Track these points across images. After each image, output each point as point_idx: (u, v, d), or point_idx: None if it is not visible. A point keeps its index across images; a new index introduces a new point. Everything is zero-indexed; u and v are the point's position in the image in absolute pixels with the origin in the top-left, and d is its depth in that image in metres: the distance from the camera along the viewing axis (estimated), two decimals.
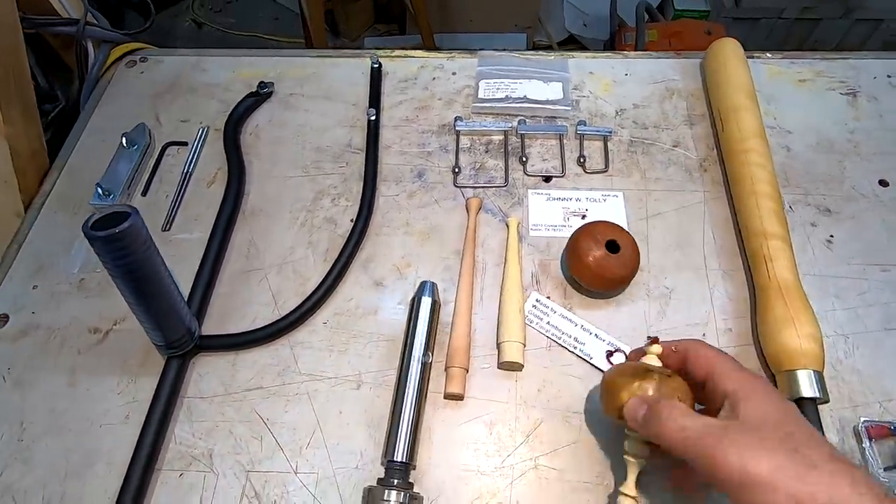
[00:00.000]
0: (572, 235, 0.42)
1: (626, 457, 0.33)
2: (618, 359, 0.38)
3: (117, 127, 0.53)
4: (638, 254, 0.41)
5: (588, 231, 0.42)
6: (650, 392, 0.31)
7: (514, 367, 0.39)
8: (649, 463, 0.32)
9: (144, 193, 0.50)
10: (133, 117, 0.55)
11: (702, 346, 0.32)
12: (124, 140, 0.51)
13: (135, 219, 0.32)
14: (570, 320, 0.42)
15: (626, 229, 0.42)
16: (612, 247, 0.41)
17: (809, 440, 0.25)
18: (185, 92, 0.58)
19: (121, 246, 0.32)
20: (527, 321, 0.42)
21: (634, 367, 0.33)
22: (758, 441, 0.26)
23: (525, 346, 0.40)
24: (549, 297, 0.43)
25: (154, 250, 0.35)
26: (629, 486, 0.32)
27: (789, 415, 0.27)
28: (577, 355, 0.40)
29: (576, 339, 0.41)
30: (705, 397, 0.31)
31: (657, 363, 0.33)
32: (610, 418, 0.33)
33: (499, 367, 0.40)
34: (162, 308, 0.37)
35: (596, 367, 0.40)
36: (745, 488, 0.25)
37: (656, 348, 0.33)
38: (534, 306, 0.42)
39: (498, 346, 0.40)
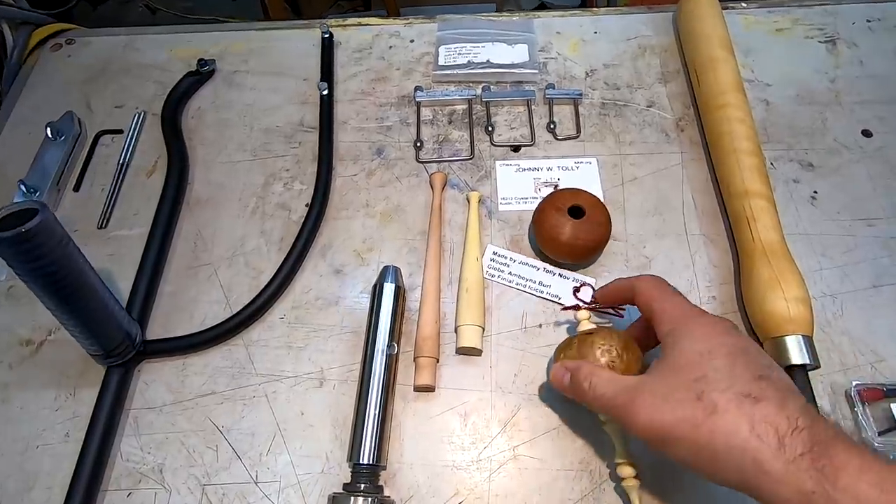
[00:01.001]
0: (536, 209, 0.39)
1: (604, 427, 0.32)
2: (585, 293, 0.36)
3: (43, 117, 0.48)
4: (607, 216, 0.38)
5: (550, 201, 0.39)
6: (597, 355, 0.31)
7: (473, 352, 0.37)
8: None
9: (77, 188, 0.46)
10: (61, 105, 0.50)
11: (645, 286, 0.31)
12: (49, 131, 0.46)
13: (45, 214, 0.28)
14: (532, 265, 0.40)
15: (593, 193, 0.39)
16: (576, 212, 0.38)
17: (720, 381, 0.25)
18: (117, 75, 0.53)
19: (31, 247, 0.28)
20: (487, 275, 0.40)
21: (570, 339, 0.33)
22: (666, 393, 0.26)
23: (484, 329, 0.37)
24: (506, 247, 0.41)
25: (74, 249, 0.31)
26: (621, 454, 0.31)
27: (709, 354, 0.26)
28: (546, 299, 0.39)
29: (540, 283, 0.39)
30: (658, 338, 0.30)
31: (591, 326, 0.34)
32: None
33: (457, 353, 0.37)
34: (92, 314, 0.33)
35: (573, 308, 0.37)
36: (655, 443, 0.26)
37: (583, 314, 0.34)
38: (492, 259, 0.40)
39: (456, 330, 0.37)
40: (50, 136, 0.46)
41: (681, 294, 0.31)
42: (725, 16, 0.49)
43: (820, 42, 0.51)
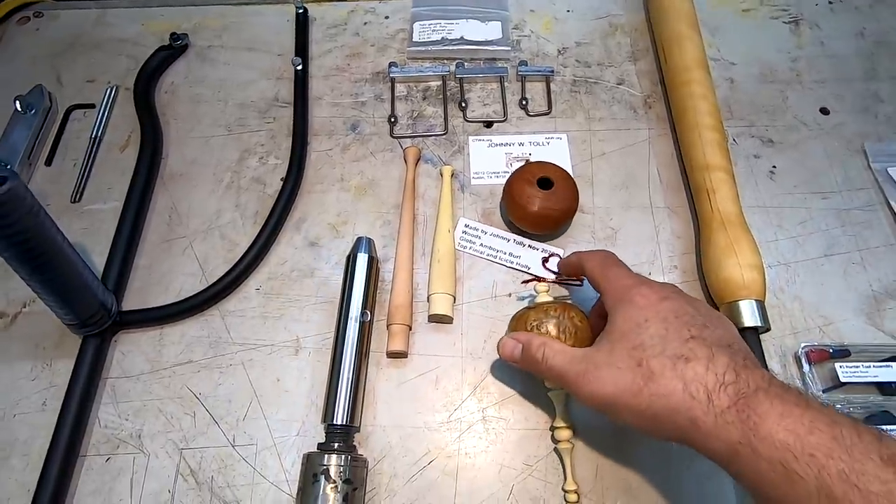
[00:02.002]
0: (506, 181, 0.41)
1: (549, 394, 0.34)
2: (553, 263, 0.38)
3: (12, 92, 0.48)
4: (574, 188, 0.40)
5: (519, 174, 0.40)
6: (550, 328, 0.32)
7: (444, 319, 0.38)
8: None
9: (49, 163, 0.46)
10: (30, 80, 0.49)
11: (592, 262, 0.33)
12: (18, 104, 0.46)
13: (14, 182, 0.29)
14: (502, 237, 0.41)
15: (560, 166, 0.41)
16: (545, 184, 0.39)
17: (655, 346, 0.26)
18: (88, 49, 0.52)
19: (1, 214, 0.29)
20: (459, 247, 0.41)
21: (526, 309, 0.34)
22: (609, 364, 0.27)
23: (455, 298, 0.39)
24: (478, 220, 0.42)
25: (45, 217, 0.31)
26: (561, 419, 0.33)
27: (645, 322, 0.27)
28: (516, 269, 0.40)
29: (510, 254, 0.41)
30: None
31: (548, 298, 0.35)
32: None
33: (429, 321, 0.38)
34: (66, 282, 0.33)
35: (536, 277, 0.38)
36: (602, 410, 0.28)
37: (542, 286, 0.35)
38: (464, 231, 0.41)
39: (428, 298, 0.38)
40: (19, 109, 0.46)
41: (625, 267, 0.32)
42: None
43: (784, 23, 0.53)
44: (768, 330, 0.37)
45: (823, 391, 0.36)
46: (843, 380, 0.35)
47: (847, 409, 0.35)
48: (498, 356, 0.33)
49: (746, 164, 0.45)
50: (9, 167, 0.44)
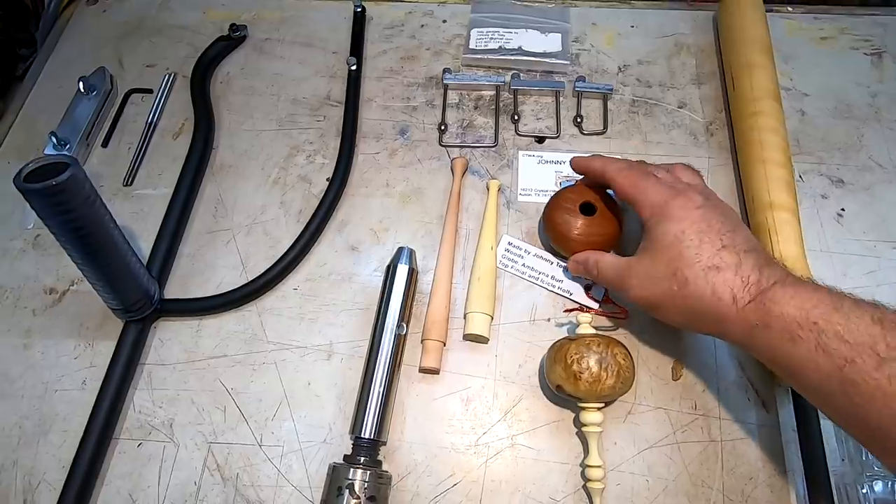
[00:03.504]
0: (546, 205, 0.39)
1: (583, 429, 0.33)
2: (597, 292, 0.38)
3: (76, 72, 0.49)
4: (619, 214, 0.38)
5: (559, 198, 0.38)
6: (591, 363, 0.32)
7: (480, 339, 0.37)
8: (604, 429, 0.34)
9: (105, 144, 0.47)
10: (94, 61, 0.50)
11: (623, 175, 0.35)
12: (82, 85, 0.47)
13: (75, 169, 0.29)
14: (546, 259, 0.40)
15: (605, 190, 0.39)
16: (588, 209, 0.38)
17: (690, 258, 0.30)
18: (150, 34, 0.53)
19: (60, 200, 0.29)
20: (500, 265, 0.40)
21: (567, 339, 0.34)
22: (651, 272, 0.32)
23: (493, 318, 0.38)
24: (522, 239, 0.41)
25: (100, 205, 0.32)
26: (593, 458, 0.32)
27: (682, 234, 0.31)
28: (557, 293, 0.39)
29: (553, 278, 0.40)
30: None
31: (590, 330, 0.35)
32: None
33: (464, 339, 0.37)
34: (114, 269, 0.34)
35: (577, 303, 0.39)
36: (647, 309, 0.33)
37: (584, 317, 0.35)
38: (507, 249, 0.41)
39: (465, 316, 0.38)
40: (82, 90, 0.47)
41: (653, 175, 0.34)
42: (769, 19, 0.47)
43: (865, 54, 0.50)
44: None
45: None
46: None
47: None
48: (531, 381, 0.33)
49: (812, 204, 0.42)
50: (68, 147, 0.45)
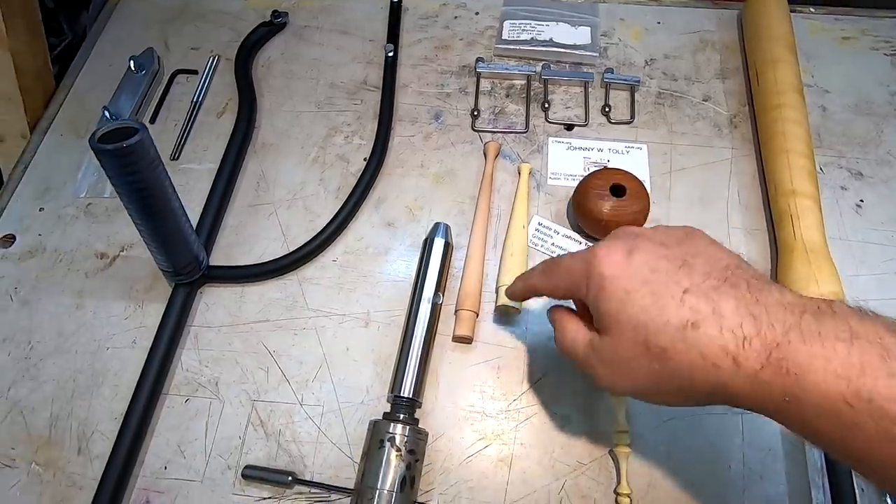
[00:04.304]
0: (577, 186, 0.41)
1: (611, 398, 0.35)
2: None
3: (125, 51, 0.51)
4: (647, 197, 0.40)
5: (591, 179, 0.40)
6: None
7: (511, 311, 0.39)
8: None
9: (153, 121, 0.49)
10: (141, 42, 0.53)
11: (531, 277, 0.31)
12: (132, 64, 0.49)
13: (143, 134, 0.31)
14: (574, 239, 0.42)
15: (632, 174, 0.41)
16: (617, 190, 0.40)
17: (654, 321, 0.23)
18: (195, 18, 0.55)
19: (129, 161, 0.31)
20: (531, 244, 0.42)
21: None
22: (616, 357, 0.25)
23: None
24: (551, 220, 0.43)
25: (163, 170, 0.33)
26: (621, 423, 0.34)
27: (628, 297, 0.24)
28: None
29: None
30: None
31: None
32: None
33: (495, 311, 0.39)
34: (169, 231, 0.36)
35: None
36: (637, 398, 0.27)
37: None
38: (537, 229, 0.42)
39: (496, 289, 0.39)
40: (133, 68, 0.49)
41: (561, 257, 0.29)
42: (792, 19, 0.49)
43: (885, 55, 0.51)
44: None
45: None
46: None
47: None
48: (560, 353, 0.34)
49: (832, 194, 0.44)
50: (118, 121, 0.47)
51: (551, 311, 0.31)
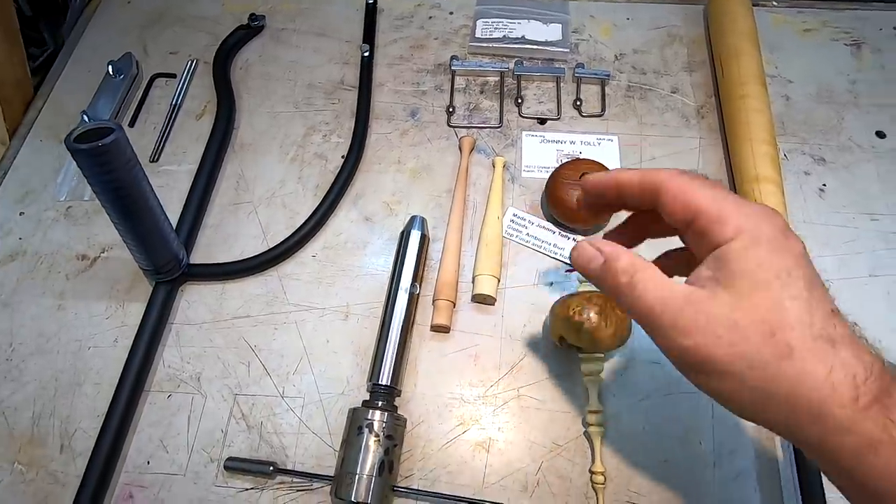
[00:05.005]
0: (550, 176, 0.42)
1: (585, 378, 0.35)
2: None
3: (103, 57, 0.52)
4: None
5: (562, 170, 0.41)
6: (592, 315, 0.33)
7: (487, 300, 0.40)
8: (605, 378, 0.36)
9: (132, 124, 0.49)
10: (120, 48, 0.53)
11: (680, 183, 0.23)
12: (111, 68, 0.50)
13: (119, 133, 0.32)
14: (548, 229, 0.43)
15: (603, 164, 0.42)
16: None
17: (800, 317, 0.20)
18: (173, 23, 0.56)
19: (104, 161, 0.32)
20: (506, 235, 0.43)
21: (567, 296, 0.35)
22: (729, 320, 0.21)
23: (499, 280, 0.40)
24: (526, 211, 0.44)
25: (139, 169, 0.34)
26: (594, 404, 0.35)
27: (787, 278, 0.21)
28: (559, 260, 0.42)
29: (555, 246, 0.42)
30: (689, 240, 0.24)
31: (591, 288, 0.36)
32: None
33: (472, 300, 0.40)
34: (148, 229, 0.36)
35: (571, 269, 0.40)
36: (692, 371, 0.22)
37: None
38: (512, 220, 0.43)
39: (473, 279, 0.40)
40: (111, 73, 0.50)
41: (735, 193, 0.24)
42: (755, 13, 0.51)
43: (846, 45, 0.53)
44: None
45: None
46: None
47: None
48: (535, 339, 0.35)
49: (796, 180, 0.45)
50: None
51: (618, 251, 0.24)
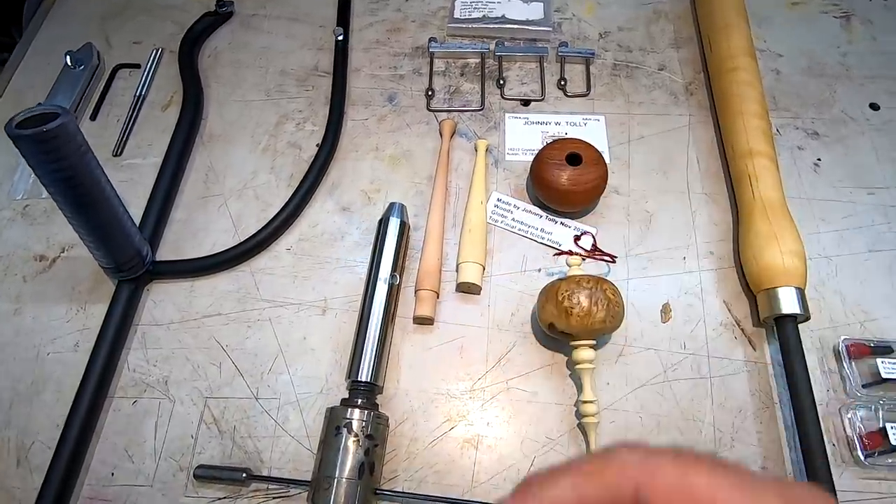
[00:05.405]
0: (534, 157, 0.40)
1: (577, 367, 0.33)
2: (586, 241, 0.38)
3: (63, 48, 0.49)
4: (604, 165, 0.39)
5: (547, 150, 0.39)
6: (581, 298, 0.32)
7: (473, 289, 0.38)
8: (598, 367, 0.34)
9: (93, 117, 0.47)
10: (81, 39, 0.50)
11: (731, 489, 0.14)
12: (69, 59, 0.47)
13: (66, 118, 0.29)
14: (534, 213, 0.41)
15: (588, 142, 0.40)
16: (574, 160, 0.39)
17: None
18: (137, 13, 0.53)
19: (51, 148, 0.29)
20: (490, 220, 0.41)
21: (557, 280, 0.34)
22: None
23: (485, 268, 0.38)
24: (510, 195, 0.42)
25: (92, 157, 0.32)
26: (587, 393, 0.33)
27: None
28: (547, 245, 0.40)
29: (542, 230, 0.40)
30: None
31: (581, 271, 0.35)
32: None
33: (457, 290, 0.38)
34: (106, 222, 0.34)
35: (566, 253, 0.39)
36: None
37: (574, 259, 0.35)
38: (496, 205, 0.41)
39: (457, 267, 0.38)
40: (69, 64, 0.47)
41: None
42: None
43: (835, 17, 0.51)
44: (807, 318, 0.35)
45: (864, 386, 0.34)
46: (884, 376, 0.34)
47: (888, 407, 0.33)
48: (524, 329, 0.33)
49: (790, 155, 0.44)
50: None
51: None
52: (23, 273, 0.40)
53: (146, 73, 0.49)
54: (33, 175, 0.43)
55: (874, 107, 0.46)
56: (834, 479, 0.30)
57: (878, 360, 0.35)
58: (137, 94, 0.48)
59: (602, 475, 0.15)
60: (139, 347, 0.37)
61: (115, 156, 0.45)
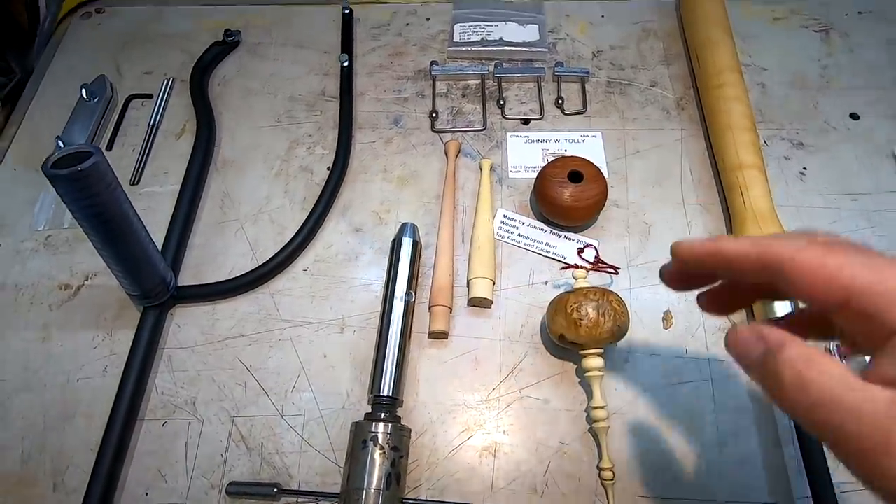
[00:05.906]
0: (537, 175, 0.42)
1: (586, 375, 0.35)
2: (589, 254, 0.40)
3: (76, 80, 0.51)
4: (604, 181, 0.41)
5: (549, 168, 0.41)
6: (589, 310, 0.34)
7: (484, 303, 0.39)
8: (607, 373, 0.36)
9: (109, 147, 0.48)
10: (93, 70, 0.52)
11: (798, 253, 0.18)
12: (84, 92, 0.49)
13: (98, 157, 0.31)
14: (539, 228, 0.43)
15: (588, 160, 0.42)
16: (575, 177, 0.41)
17: None
18: (146, 43, 0.55)
19: (85, 185, 0.31)
20: (497, 236, 0.43)
21: (565, 293, 0.36)
22: None
23: (495, 283, 0.40)
24: (515, 211, 0.44)
25: (121, 192, 0.33)
26: (597, 399, 0.34)
27: None
28: (552, 258, 0.42)
29: (547, 244, 0.42)
30: (840, 322, 0.18)
31: (587, 284, 0.36)
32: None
33: (468, 305, 0.40)
34: (133, 254, 0.35)
35: (572, 266, 0.41)
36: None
37: (580, 273, 0.37)
38: (502, 221, 0.43)
39: (468, 283, 0.40)
40: (84, 97, 0.49)
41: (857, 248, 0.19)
42: (726, 3, 0.52)
43: (814, 31, 0.54)
44: None
45: None
46: None
47: None
48: (534, 339, 0.35)
49: (777, 165, 0.46)
50: None
51: (783, 339, 0.18)
52: (48, 302, 0.41)
53: (158, 102, 0.50)
54: (54, 205, 0.44)
55: (854, 116, 0.49)
56: (832, 476, 0.32)
57: (868, 360, 0.37)
58: (151, 123, 0.49)
59: (770, 245, 0.19)
60: (166, 370, 0.38)
61: (133, 184, 0.46)
